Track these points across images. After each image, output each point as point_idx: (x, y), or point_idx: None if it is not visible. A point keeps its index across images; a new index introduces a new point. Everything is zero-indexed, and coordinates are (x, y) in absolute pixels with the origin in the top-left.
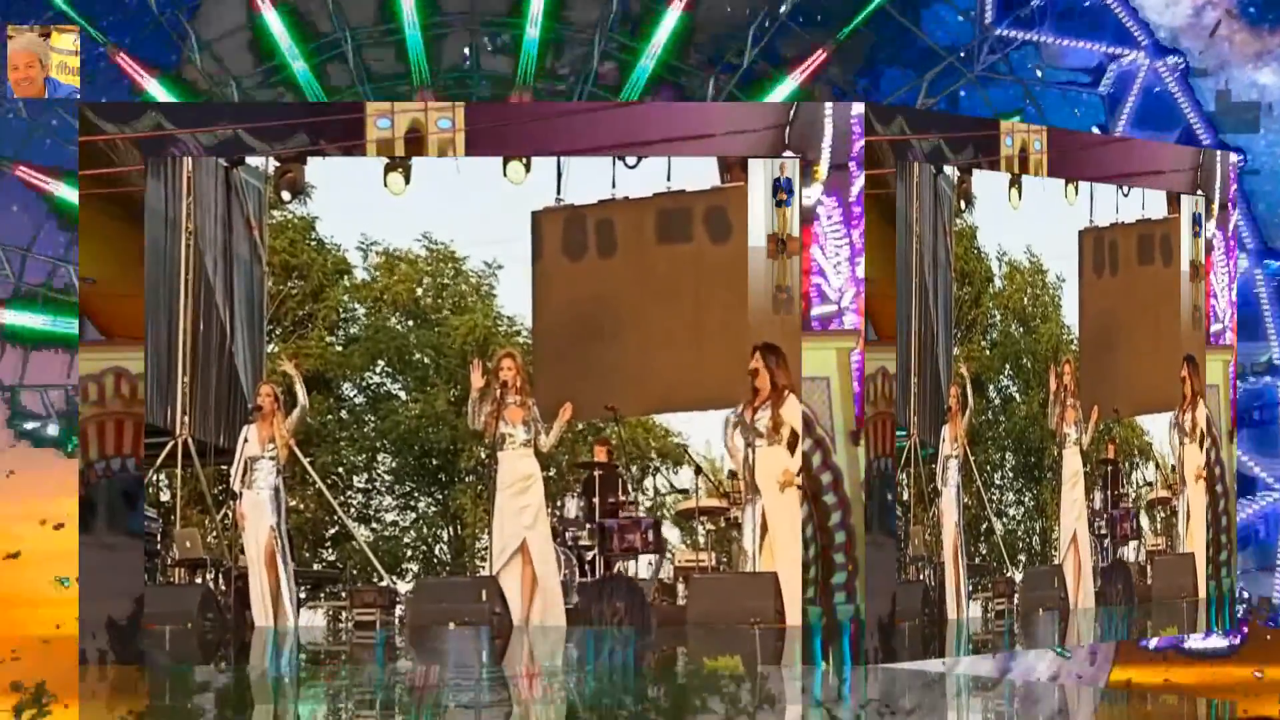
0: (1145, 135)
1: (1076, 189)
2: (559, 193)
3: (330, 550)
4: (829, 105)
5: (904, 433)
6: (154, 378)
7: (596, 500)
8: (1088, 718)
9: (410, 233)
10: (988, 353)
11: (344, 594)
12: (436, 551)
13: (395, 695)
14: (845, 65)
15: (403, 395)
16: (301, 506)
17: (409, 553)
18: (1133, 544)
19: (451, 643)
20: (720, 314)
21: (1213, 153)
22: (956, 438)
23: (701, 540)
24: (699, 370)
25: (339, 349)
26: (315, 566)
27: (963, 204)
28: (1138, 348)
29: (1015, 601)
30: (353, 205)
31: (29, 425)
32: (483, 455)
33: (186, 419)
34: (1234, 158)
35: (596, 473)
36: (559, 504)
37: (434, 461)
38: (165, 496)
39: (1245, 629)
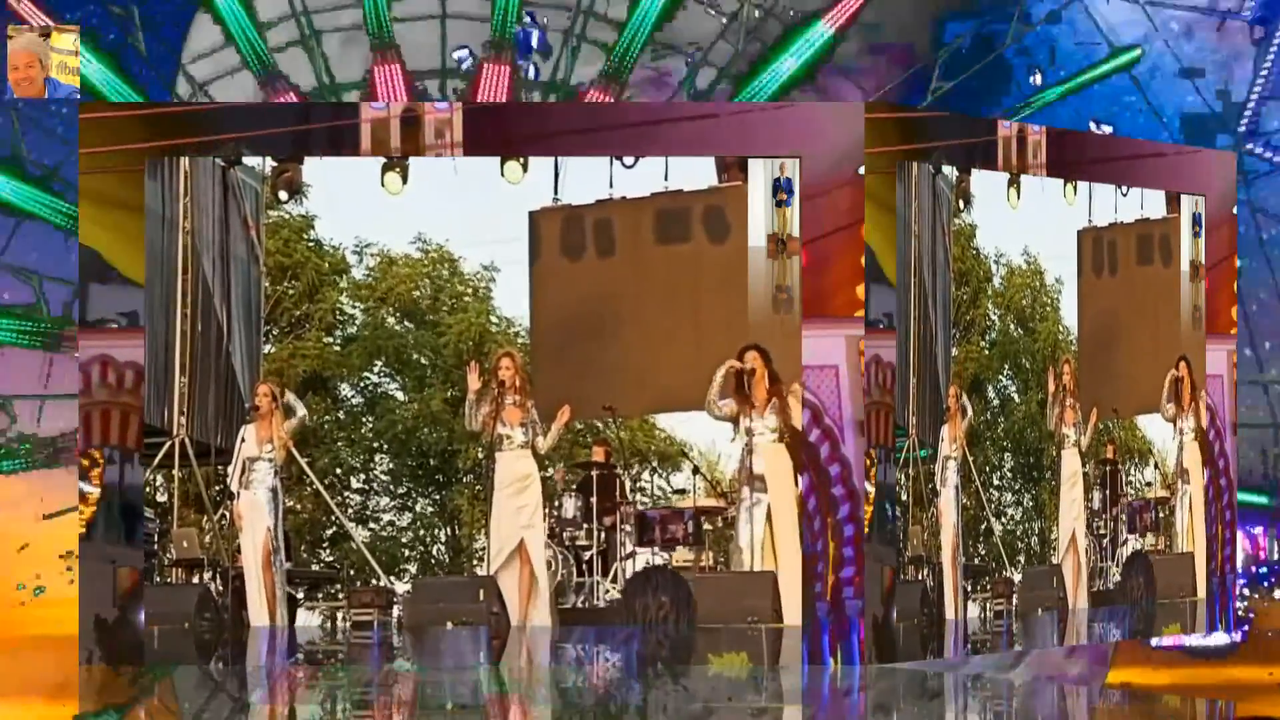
0: None
1: (1075, 189)
2: (555, 193)
3: (328, 551)
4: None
5: (903, 433)
6: (152, 377)
7: (594, 500)
8: (1087, 718)
9: (407, 233)
10: (986, 353)
11: (341, 594)
12: (434, 552)
13: (392, 695)
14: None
15: (400, 396)
16: (299, 507)
17: (406, 553)
18: (1135, 540)
19: (449, 642)
20: (720, 314)
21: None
22: (955, 439)
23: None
24: (699, 370)
25: (337, 349)
26: (314, 567)
27: (961, 203)
28: (1137, 348)
29: (1014, 602)
30: (350, 205)
31: None
32: (480, 456)
33: (184, 419)
34: None
35: (594, 472)
36: (556, 504)
37: (432, 462)
38: (162, 497)
39: (1245, 629)
